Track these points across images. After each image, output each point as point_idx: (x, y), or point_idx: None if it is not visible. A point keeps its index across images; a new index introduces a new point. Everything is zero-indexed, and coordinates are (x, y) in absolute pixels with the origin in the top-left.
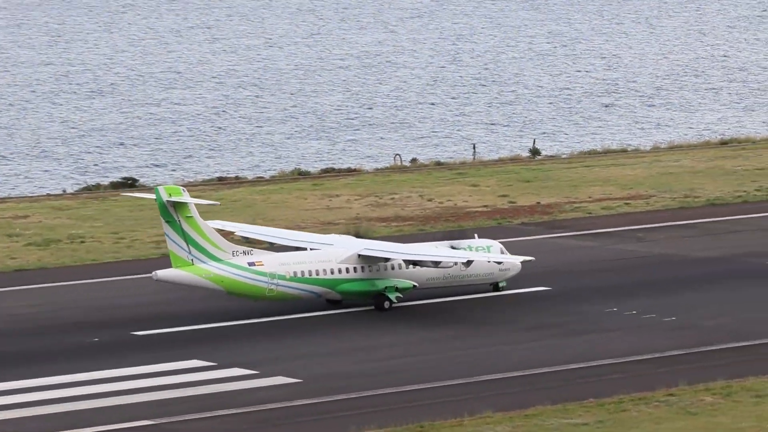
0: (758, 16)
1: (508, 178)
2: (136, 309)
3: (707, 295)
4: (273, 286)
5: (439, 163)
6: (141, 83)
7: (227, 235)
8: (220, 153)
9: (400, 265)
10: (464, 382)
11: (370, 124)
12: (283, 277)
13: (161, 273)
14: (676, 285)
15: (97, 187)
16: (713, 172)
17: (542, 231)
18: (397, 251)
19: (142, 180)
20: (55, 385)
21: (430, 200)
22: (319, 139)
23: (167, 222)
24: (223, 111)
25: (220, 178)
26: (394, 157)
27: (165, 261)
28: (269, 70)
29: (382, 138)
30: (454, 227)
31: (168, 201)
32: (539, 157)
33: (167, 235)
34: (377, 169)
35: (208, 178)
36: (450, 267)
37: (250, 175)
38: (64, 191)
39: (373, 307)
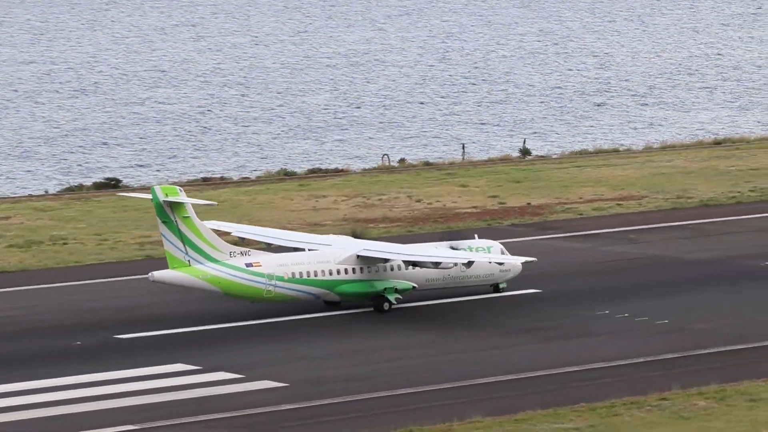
0: (752, 13)
1: (498, 179)
2: (119, 312)
3: (700, 298)
4: (271, 288)
5: (427, 164)
6: (125, 82)
7: (223, 235)
8: (205, 153)
9: (399, 266)
10: (453, 386)
11: (357, 124)
12: (281, 279)
13: (158, 274)
14: (668, 287)
15: (80, 187)
16: (706, 172)
17: (533, 232)
18: (396, 252)
19: (125, 180)
20: (37, 389)
21: (418, 201)
22: (306, 139)
23: (164, 222)
24: (209, 110)
25: (204, 179)
26: (382, 158)
27: (149, 263)
28: (255, 68)
29: (370, 138)
30: (443, 228)
31: (165, 201)
32: (529, 157)
33: (164, 236)
34: (365, 170)
35: (192, 178)
36: (450, 268)
37: (235, 175)
38: (46, 192)
39: (371, 309)
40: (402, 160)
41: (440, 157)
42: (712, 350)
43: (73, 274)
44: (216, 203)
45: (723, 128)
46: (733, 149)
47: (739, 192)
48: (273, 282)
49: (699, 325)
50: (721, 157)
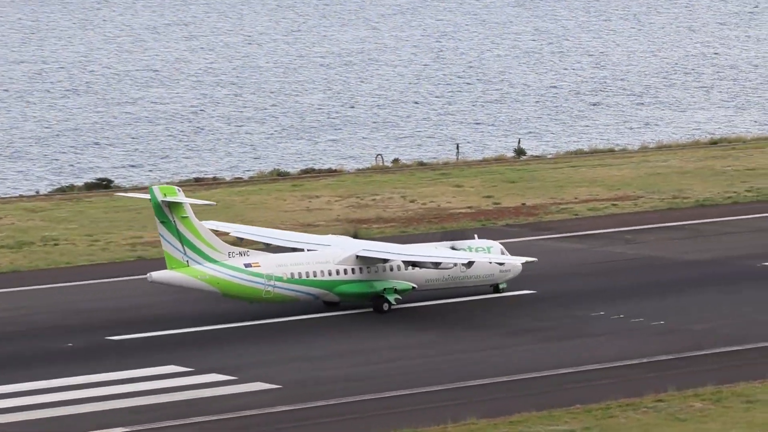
0: (749, 12)
1: (493, 179)
2: (111, 313)
3: (697, 299)
4: (270, 288)
5: (421, 164)
6: (117, 82)
7: (221, 235)
8: (197, 153)
9: (399, 266)
10: (447, 388)
11: (351, 124)
12: (280, 279)
13: (156, 275)
14: (664, 288)
15: (71, 188)
16: (703, 172)
17: (527, 233)
18: (396, 252)
19: (117, 181)
20: (28, 391)
21: (412, 201)
22: (300, 139)
23: (162, 222)
24: (201, 110)
25: (197, 179)
26: (376, 158)
27: (141, 264)
28: (248, 68)
29: (363, 138)
30: (437, 229)
31: (163, 201)
32: (524, 157)
33: (162, 236)
34: (358, 170)
35: (185, 178)
36: (450, 268)
37: (228, 175)
38: (38, 192)
39: (370, 310)
40: (396, 160)
41: (434, 157)
42: (708, 351)
43: (65, 275)
44: (215, 203)
45: (719, 128)
46: (730, 149)
47: (735, 192)
48: (272, 282)
49: (695, 326)
50: (717, 157)
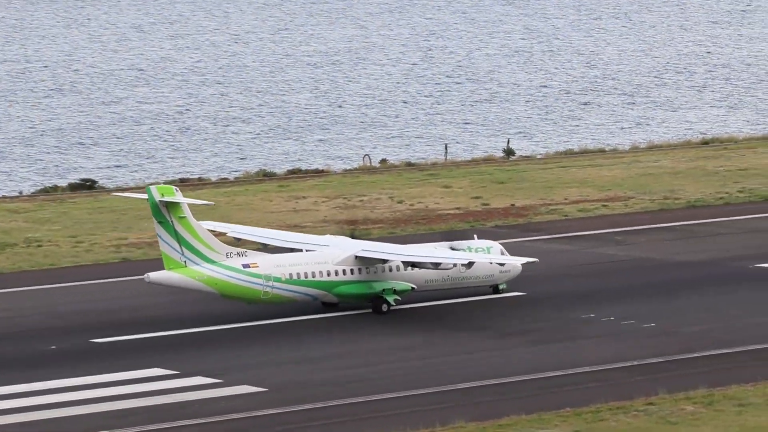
0: (741, 11)
1: (482, 179)
2: (95, 315)
3: (688, 301)
4: (268, 289)
5: (409, 164)
6: (101, 81)
7: (218, 236)
8: (183, 153)
9: (398, 266)
10: (436, 391)
11: (339, 123)
12: (278, 280)
13: (153, 275)
14: (655, 290)
15: (55, 188)
16: (694, 172)
17: (517, 234)
18: (395, 252)
19: (101, 182)
20: (11, 394)
21: (400, 202)
22: (287, 139)
23: (159, 223)
24: (187, 110)
25: (182, 180)
26: (363, 158)
27: (125, 265)
28: (235, 67)
29: (351, 138)
30: (425, 230)
31: (160, 201)
32: (513, 157)
33: (159, 237)
34: (346, 170)
35: (170, 179)
36: (450, 269)
37: (213, 176)
38: (21, 193)
39: (367, 311)
40: (383, 161)
41: (423, 158)
42: (699, 354)
43: (48, 277)
44: (213, 203)
45: (711, 128)
46: (721, 149)
47: (727, 193)
48: (270, 283)
49: (686, 329)
50: (709, 157)
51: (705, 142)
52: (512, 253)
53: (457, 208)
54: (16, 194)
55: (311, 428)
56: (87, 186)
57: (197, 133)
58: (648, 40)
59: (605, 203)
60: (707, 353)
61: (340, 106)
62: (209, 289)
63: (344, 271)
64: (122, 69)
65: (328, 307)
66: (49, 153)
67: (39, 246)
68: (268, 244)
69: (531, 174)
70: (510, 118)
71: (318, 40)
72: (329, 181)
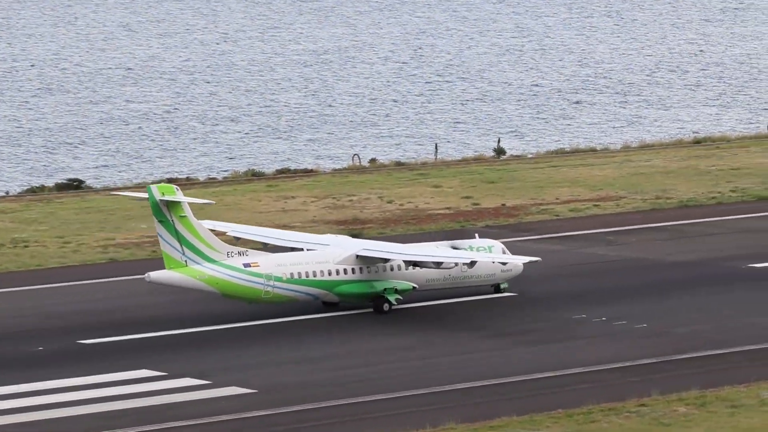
0: (734, 8)
1: (472, 179)
2: (82, 316)
3: (680, 301)
4: (269, 288)
5: (399, 164)
6: (89, 80)
7: (218, 235)
8: (171, 153)
9: (399, 266)
10: (426, 392)
11: (328, 123)
12: (279, 279)
13: (154, 275)
14: (647, 290)
15: (42, 188)
16: (686, 172)
17: (507, 234)
18: (396, 251)
19: (89, 181)
20: None
21: (389, 202)
22: (276, 139)
23: (160, 222)
24: (175, 109)
25: (170, 179)
26: (353, 157)
27: (113, 266)
28: (223, 66)
29: (340, 138)
30: (415, 230)
31: (161, 200)
32: (504, 156)
33: (160, 236)
34: (335, 170)
35: (157, 178)
36: (451, 268)
37: (202, 176)
38: (7, 193)
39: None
40: (373, 160)
41: (413, 157)
42: (692, 355)
43: (35, 278)
44: (213, 202)
45: (704, 126)
46: (714, 148)
47: (719, 192)
48: (271, 282)
49: (679, 329)
50: (701, 156)
51: (697, 141)
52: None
53: (447, 208)
54: (3, 194)
55: (300, 430)
56: (74, 186)
57: (185, 132)
58: (640, 39)
59: (596, 203)
60: (700, 354)
61: (329, 106)
62: (210, 289)
63: (345, 271)
64: (110, 68)
65: (328, 306)
66: (36, 152)
67: (26, 246)
68: (269, 244)
69: (522, 173)
70: (501, 118)
71: (307, 38)
72: (318, 180)
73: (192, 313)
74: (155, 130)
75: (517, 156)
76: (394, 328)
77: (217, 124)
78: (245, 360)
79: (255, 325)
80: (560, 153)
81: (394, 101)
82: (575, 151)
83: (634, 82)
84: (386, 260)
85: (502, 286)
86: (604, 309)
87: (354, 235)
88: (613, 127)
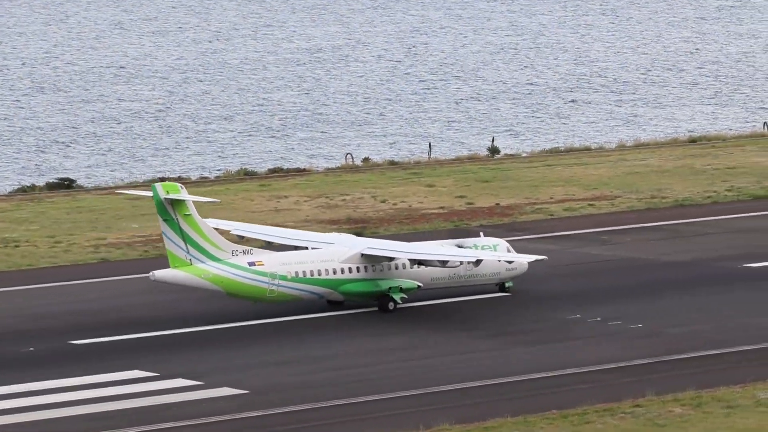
0: (731, 6)
1: (466, 178)
2: (74, 317)
3: (675, 301)
4: (274, 287)
5: (392, 163)
6: (80, 79)
7: (222, 233)
8: (163, 152)
9: (404, 264)
10: (420, 393)
11: (321, 122)
12: (284, 278)
13: (159, 273)
14: (642, 290)
15: (33, 188)
16: (682, 171)
17: (502, 234)
18: (401, 250)
19: (80, 181)
20: None
21: (383, 201)
22: (269, 138)
23: (165, 220)
24: (167, 108)
25: (162, 179)
26: (346, 157)
27: (104, 266)
28: (216, 64)
29: (334, 136)
30: (409, 230)
31: (165, 198)
32: (498, 156)
33: (164, 234)
34: (328, 169)
35: (149, 178)
36: (457, 266)
37: (194, 175)
38: None
39: (370, 309)
40: (366, 159)
41: (406, 156)
42: (688, 355)
43: (26, 278)
44: (219, 200)
45: (699, 125)
46: (709, 147)
47: (715, 191)
48: (276, 281)
49: (674, 329)
50: (696, 155)
51: (693, 140)
52: None
53: (441, 208)
54: None
55: (293, 431)
56: (65, 185)
57: (178, 131)
58: (635, 37)
59: (591, 202)
60: (695, 354)
61: (323, 104)
62: (215, 288)
63: (350, 269)
64: (102, 66)
65: (333, 305)
66: (27, 152)
67: (16, 246)
68: (273, 242)
69: (516, 173)
70: (495, 116)
71: (300, 37)
72: (311, 180)
73: (184, 314)
74: (147, 129)
75: (511, 155)
76: (386, 328)
77: (209, 123)
78: (238, 361)
79: (248, 325)
80: (555, 152)
81: (388, 100)
82: (570, 150)
83: (630, 81)
84: (391, 259)
85: (507, 284)
86: (599, 309)
87: (358, 234)
88: (608, 126)
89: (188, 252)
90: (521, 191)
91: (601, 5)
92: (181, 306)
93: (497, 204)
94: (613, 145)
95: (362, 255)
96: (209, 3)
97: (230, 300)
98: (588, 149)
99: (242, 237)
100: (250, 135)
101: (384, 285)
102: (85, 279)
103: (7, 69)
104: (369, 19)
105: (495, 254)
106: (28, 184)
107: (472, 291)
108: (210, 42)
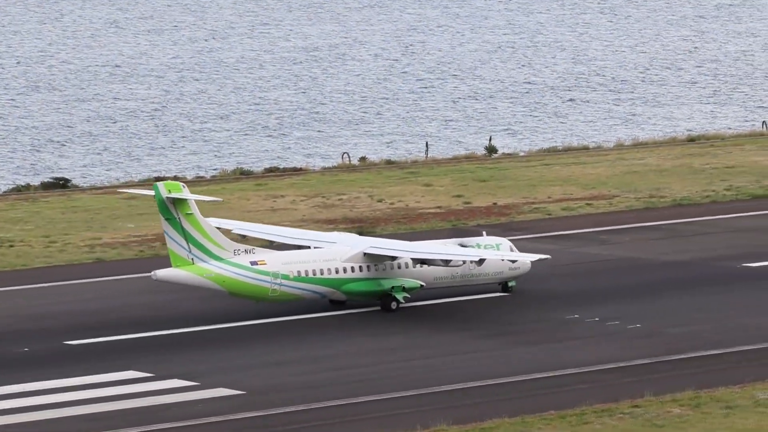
0: (730, 5)
1: (463, 178)
2: (69, 317)
3: (674, 301)
4: (276, 286)
5: (389, 162)
6: (75, 77)
7: (223, 233)
8: (159, 151)
9: (407, 264)
10: (417, 393)
11: (318, 121)
12: (286, 277)
13: (161, 273)
14: (641, 290)
15: (27, 187)
16: (680, 170)
17: (499, 233)
18: (404, 249)
19: (75, 180)
20: None
21: (380, 201)
22: (266, 137)
23: (166, 219)
24: (163, 107)
25: (157, 178)
26: (342, 156)
27: (99, 266)
28: (212, 63)
29: (330, 136)
30: (406, 230)
31: (167, 197)
32: (496, 155)
33: (166, 233)
34: (324, 168)
35: (145, 177)
36: (460, 266)
37: (190, 174)
38: None
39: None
40: (363, 159)
41: (403, 155)
42: (686, 355)
43: (21, 278)
44: (221, 199)
45: (698, 124)
46: (708, 146)
47: (714, 191)
48: (278, 281)
49: (673, 330)
50: (695, 154)
51: (691, 139)
52: None
53: (438, 207)
54: None
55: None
56: (60, 185)
57: (174, 130)
58: (634, 36)
59: (589, 202)
60: (694, 354)
61: (319, 103)
62: (217, 287)
63: (353, 269)
64: (97, 65)
65: (335, 304)
66: (22, 151)
67: (11, 246)
68: (275, 241)
69: (514, 172)
70: (493, 116)
71: (297, 35)
72: (307, 179)
73: (179, 314)
74: (143, 128)
75: (509, 154)
76: (384, 329)
77: (205, 122)
78: (234, 361)
79: (245, 326)
80: (553, 151)
81: (385, 99)
82: (568, 150)
83: (628, 80)
84: (394, 258)
85: (510, 284)
86: (597, 309)
87: (360, 233)
88: (607, 125)
89: (190, 251)
90: (519, 191)
91: (599, 3)
92: (180, 306)
93: (495, 203)
94: (611, 144)
95: (365, 254)
96: (205, 1)
97: (230, 300)
98: (586, 148)
99: (244, 236)
100: (246, 134)
101: (387, 284)
102: (81, 279)
103: (2, 68)
104: (366, 18)
105: (498, 253)
106: (23, 184)
107: (474, 290)
108: (206, 41)
